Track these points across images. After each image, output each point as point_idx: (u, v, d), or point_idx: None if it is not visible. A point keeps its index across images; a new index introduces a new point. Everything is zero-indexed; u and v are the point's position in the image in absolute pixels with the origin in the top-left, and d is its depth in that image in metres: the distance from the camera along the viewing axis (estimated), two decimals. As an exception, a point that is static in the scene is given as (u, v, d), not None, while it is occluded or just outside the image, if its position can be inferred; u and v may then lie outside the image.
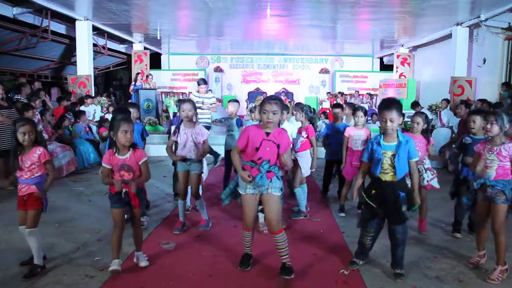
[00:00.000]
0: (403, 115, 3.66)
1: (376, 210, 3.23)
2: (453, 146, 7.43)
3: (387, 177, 3.18)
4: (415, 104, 10.23)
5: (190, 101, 4.26)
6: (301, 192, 4.72)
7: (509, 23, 8.84)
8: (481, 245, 3.50)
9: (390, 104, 3.12)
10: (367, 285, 3.13)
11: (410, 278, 3.23)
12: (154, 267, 3.39)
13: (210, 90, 8.63)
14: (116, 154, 3.20)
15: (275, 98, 3.13)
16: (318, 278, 3.23)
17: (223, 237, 4.12)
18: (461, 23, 10.10)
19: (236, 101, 5.72)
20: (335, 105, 5.74)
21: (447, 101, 9.49)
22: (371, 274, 3.31)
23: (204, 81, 7.36)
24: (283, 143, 3.11)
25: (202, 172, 4.33)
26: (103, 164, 3.25)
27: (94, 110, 9.75)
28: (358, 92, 15.02)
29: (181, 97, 14.65)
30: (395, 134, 3.17)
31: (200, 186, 4.96)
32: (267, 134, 3.07)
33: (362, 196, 3.43)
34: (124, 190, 3.18)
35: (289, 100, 14.31)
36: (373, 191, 3.24)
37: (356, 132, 4.88)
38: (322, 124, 8.71)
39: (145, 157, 3.31)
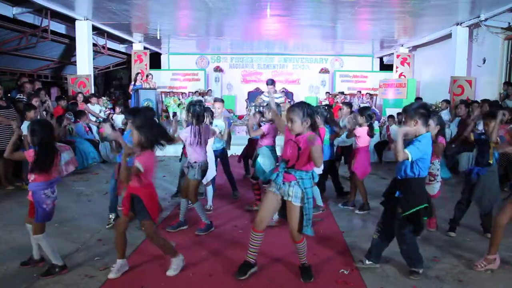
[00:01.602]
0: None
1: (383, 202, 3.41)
2: (453, 146, 7.48)
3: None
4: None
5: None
6: (317, 189, 4.91)
7: (509, 23, 8.83)
8: (495, 247, 3.40)
9: (406, 107, 3.26)
10: (367, 285, 3.13)
11: (410, 278, 3.23)
12: (154, 267, 3.39)
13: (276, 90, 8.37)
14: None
15: (294, 105, 3.12)
16: (318, 278, 3.23)
17: (223, 237, 4.12)
18: (461, 23, 10.09)
19: (223, 100, 5.82)
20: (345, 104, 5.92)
21: (447, 102, 9.49)
22: (371, 274, 3.31)
23: (272, 82, 7.36)
24: (303, 145, 3.00)
25: (199, 179, 4.20)
26: (138, 165, 3.00)
27: (99, 111, 9.75)
28: (360, 92, 14.98)
29: (181, 97, 14.70)
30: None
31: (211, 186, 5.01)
32: (296, 135, 3.08)
33: None
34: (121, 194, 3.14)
35: (289, 100, 14.30)
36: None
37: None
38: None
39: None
